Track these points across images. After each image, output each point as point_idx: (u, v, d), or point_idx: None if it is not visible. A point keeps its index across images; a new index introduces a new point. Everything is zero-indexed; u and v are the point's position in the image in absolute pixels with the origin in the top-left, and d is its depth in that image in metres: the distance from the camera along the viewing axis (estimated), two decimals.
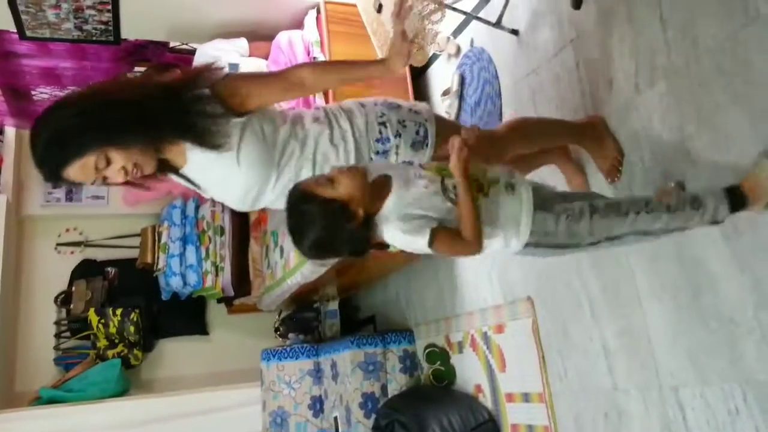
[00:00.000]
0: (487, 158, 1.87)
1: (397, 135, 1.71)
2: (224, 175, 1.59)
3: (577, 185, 2.25)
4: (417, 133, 1.75)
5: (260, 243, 4.21)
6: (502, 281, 2.80)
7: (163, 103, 1.48)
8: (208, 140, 1.50)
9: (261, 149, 1.57)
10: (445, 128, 1.81)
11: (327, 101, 3.16)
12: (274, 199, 1.69)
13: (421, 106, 1.83)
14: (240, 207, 1.72)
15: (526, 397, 2.62)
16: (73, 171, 1.45)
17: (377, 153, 1.70)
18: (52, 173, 1.45)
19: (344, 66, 1.72)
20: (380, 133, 1.70)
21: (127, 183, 1.55)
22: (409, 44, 1.58)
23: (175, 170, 1.61)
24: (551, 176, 2.29)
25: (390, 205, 1.40)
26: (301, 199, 1.38)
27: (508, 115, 2.72)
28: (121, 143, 1.45)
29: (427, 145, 1.76)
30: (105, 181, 1.50)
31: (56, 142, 1.42)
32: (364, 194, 1.37)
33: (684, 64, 1.83)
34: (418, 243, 1.39)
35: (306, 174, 1.65)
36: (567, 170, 2.27)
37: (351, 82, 1.72)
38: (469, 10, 2.85)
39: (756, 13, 1.60)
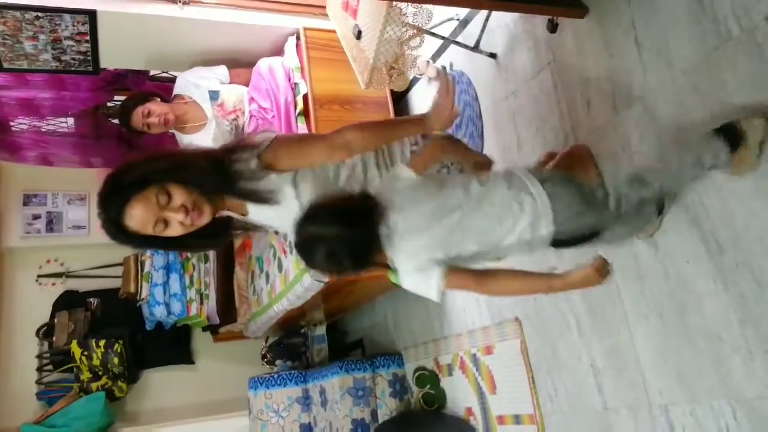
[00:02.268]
0: None
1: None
2: (288, 214, 1.54)
3: None
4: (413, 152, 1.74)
5: (245, 269, 4.18)
6: (490, 302, 2.79)
7: (212, 165, 1.53)
8: (255, 198, 1.53)
9: (316, 178, 1.58)
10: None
11: (309, 129, 3.17)
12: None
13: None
14: None
15: (517, 419, 2.61)
16: (135, 206, 1.45)
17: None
18: (115, 217, 1.47)
19: (389, 127, 1.72)
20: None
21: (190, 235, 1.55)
22: (452, 112, 1.62)
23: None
24: None
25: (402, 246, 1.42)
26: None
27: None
28: (182, 179, 1.48)
29: None
30: (165, 226, 1.49)
31: (123, 176, 1.48)
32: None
33: (660, 84, 1.85)
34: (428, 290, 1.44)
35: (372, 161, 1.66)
36: None
37: (394, 140, 1.70)
38: (447, 34, 2.88)
39: (728, 34, 1.64)
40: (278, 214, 1.56)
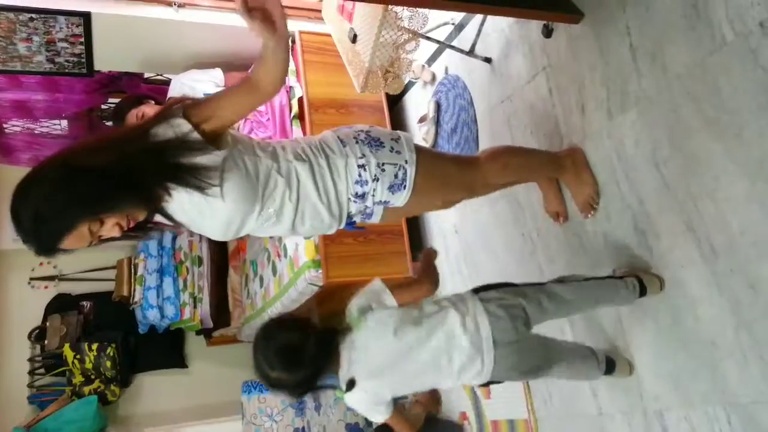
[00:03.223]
0: (470, 188, 1.95)
1: (375, 179, 1.68)
2: (207, 209, 1.54)
3: (552, 210, 2.26)
4: (395, 176, 1.71)
5: (239, 272, 4.17)
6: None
7: (143, 159, 1.43)
8: (197, 185, 1.46)
9: (244, 183, 1.54)
10: (427, 168, 1.77)
11: (304, 132, 3.16)
12: (257, 227, 1.66)
13: (403, 142, 1.76)
14: (220, 238, 1.69)
15: (511, 424, 2.60)
16: (68, 242, 1.40)
17: (356, 194, 1.69)
18: (46, 251, 1.40)
19: (274, 56, 1.52)
20: (359, 176, 1.67)
21: (123, 235, 1.50)
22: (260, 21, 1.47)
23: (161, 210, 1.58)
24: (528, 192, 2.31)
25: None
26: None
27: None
28: (109, 210, 1.41)
29: (404, 187, 1.73)
30: (101, 240, 1.45)
31: (42, 225, 1.35)
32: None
33: (655, 90, 1.86)
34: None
35: (289, 207, 1.62)
36: (548, 192, 2.27)
37: (286, 61, 1.56)
38: (442, 38, 2.89)
39: (722, 39, 1.64)
40: (196, 202, 1.51)
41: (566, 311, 1.83)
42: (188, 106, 1.48)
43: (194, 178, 1.45)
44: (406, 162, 1.73)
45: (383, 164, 1.69)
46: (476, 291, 1.73)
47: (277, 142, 1.72)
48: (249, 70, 3.30)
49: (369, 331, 1.60)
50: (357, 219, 1.80)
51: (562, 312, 1.82)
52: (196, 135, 1.46)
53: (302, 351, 1.51)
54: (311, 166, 1.64)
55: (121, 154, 1.42)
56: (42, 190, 1.35)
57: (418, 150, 1.78)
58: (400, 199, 1.75)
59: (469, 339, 1.60)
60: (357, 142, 1.70)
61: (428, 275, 1.73)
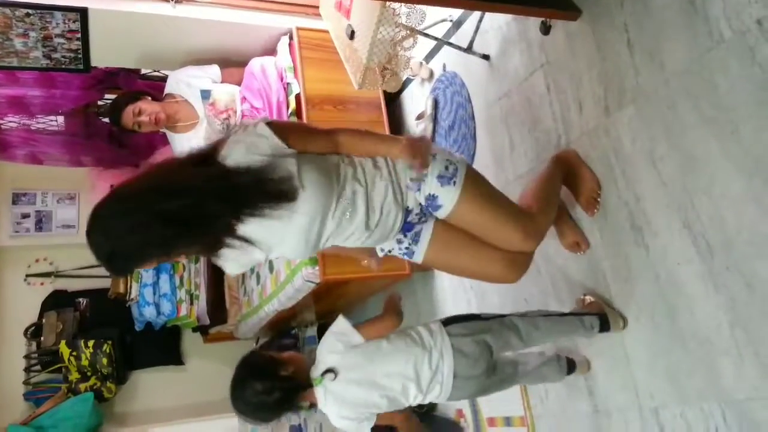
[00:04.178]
0: (524, 230, 1.82)
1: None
2: (286, 217, 1.53)
3: (570, 242, 2.19)
4: (446, 168, 1.70)
5: None
6: (481, 305, 2.79)
7: (221, 201, 1.45)
8: (285, 198, 1.51)
9: (321, 170, 1.58)
10: (478, 178, 1.79)
11: None
12: (335, 228, 1.63)
13: (457, 155, 1.79)
14: (305, 246, 1.62)
15: (507, 421, 2.60)
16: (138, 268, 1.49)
17: (411, 179, 1.69)
18: (116, 274, 1.52)
19: (375, 141, 1.73)
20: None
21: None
22: (424, 156, 1.66)
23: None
24: None
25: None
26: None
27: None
28: (181, 251, 1.51)
29: (454, 183, 1.70)
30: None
31: (116, 260, 1.42)
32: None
33: (652, 87, 1.86)
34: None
35: (361, 193, 1.63)
36: (560, 225, 2.20)
37: (374, 155, 1.71)
38: (440, 35, 2.88)
39: (720, 36, 1.64)
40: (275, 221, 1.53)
41: (530, 344, 1.97)
42: (273, 122, 1.58)
43: (279, 196, 1.50)
44: (458, 162, 1.74)
45: (435, 155, 1.71)
46: (445, 323, 1.89)
47: None
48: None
49: (337, 385, 1.78)
50: (413, 219, 1.75)
51: (526, 345, 1.96)
52: (284, 148, 1.54)
53: (265, 401, 1.73)
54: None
55: (199, 196, 1.43)
56: (120, 228, 1.38)
57: (470, 171, 1.77)
58: (449, 196, 1.70)
59: (432, 373, 1.79)
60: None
61: (393, 312, 1.87)
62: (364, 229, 1.66)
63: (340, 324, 1.86)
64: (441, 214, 1.75)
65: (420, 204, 1.73)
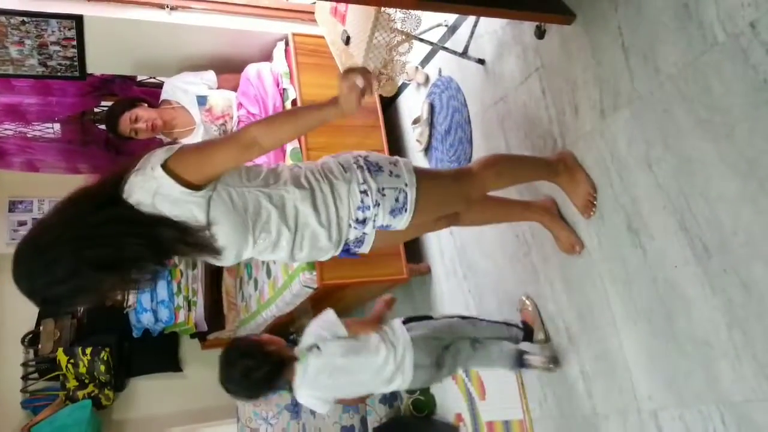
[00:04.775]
0: (467, 199, 1.96)
1: (377, 204, 1.68)
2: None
3: (566, 244, 2.20)
4: (396, 200, 1.71)
5: (234, 275, 4.15)
6: (479, 308, 2.79)
7: (141, 242, 1.41)
8: (195, 249, 1.49)
9: (232, 219, 1.52)
10: (427, 188, 1.78)
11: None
12: (257, 254, 1.66)
13: (401, 165, 1.76)
14: (228, 263, 1.67)
15: (507, 425, 2.60)
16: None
17: (357, 220, 1.68)
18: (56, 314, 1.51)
19: (295, 115, 1.58)
20: (362, 201, 1.67)
21: None
22: (357, 89, 1.49)
23: None
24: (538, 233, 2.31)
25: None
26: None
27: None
28: (106, 295, 1.50)
29: (406, 210, 1.73)
30: None
31: (53, 304, 1.42)
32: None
33: (647, 90, 1.86)
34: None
35: (287, 236, 1.61)
36: (554, 228, 2.22)
37: (307, 130, 1.64)
38: (435, 40, 2.89)
39: (714, 39, 1.65)
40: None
41: (474, 338, 2.28)
42: (167, 162, 1.43)
43: (188, 246, 1.46)
44: (405, 185, 1.73)
45: (383, 189, 1.69)
46: (405, 322, 2.21)
47: (270, 170, 1.68)
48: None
49: (318, 359, 2.03)
50: (352, 247, 1.77)
51: (471, 340, 2.27)
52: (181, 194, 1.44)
53: (255, 376, 1.97)
54: (313, 192, 1.63)
55: (116, 242, 1.39)
56: (46, 279, 1.35)
57: (417, 172, 1.78)
58: (402, 222, 1.75)
59: (396, 366, 2.08)
60: (357, 168, 1.70)
61: (378, 318, 2.18)
62: (289, 259, 1.70)
63: (329, 315, 2.15)
64: (392, 230, 1.79)
65: (364, 233, 1.74)
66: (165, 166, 1.42)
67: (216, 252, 1.51)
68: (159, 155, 1.45)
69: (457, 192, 1.93)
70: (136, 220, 1.41)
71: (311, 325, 2.14)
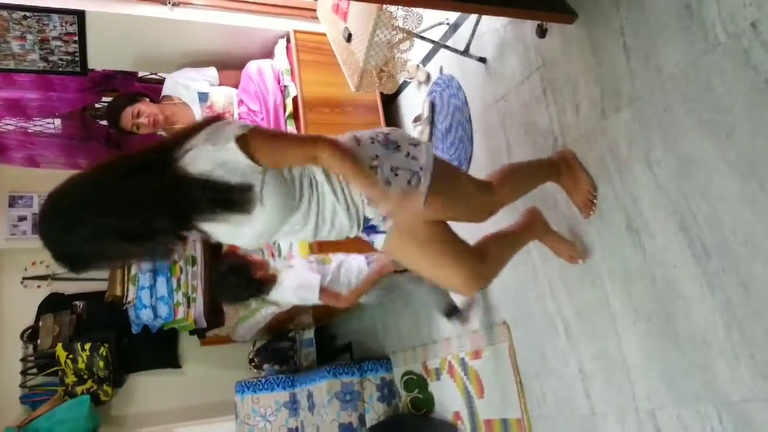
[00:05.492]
0: (489, 211, 1.94)
1: (387, 183, 1.64)
2: (246, 219, 1.53)
3: (567, 255, 2.18)
4: (409, 182, 1.67)
5: None
6: (479, 306, 2.79)
7: (177, 214, 1.44)
8: (239, 212, 1.49)
9: (284, 189, 1.55)
10: (445, 180, 1.74)
11: (299, 131, 3.15)
12: (285, 233, 1.67)
13: (422, 149, 1.72)
14: (255, 244, 1.69)
15: (505, 423, 2.60)
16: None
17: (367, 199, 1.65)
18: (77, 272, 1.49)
19: (354, 167, 1.57)
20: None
21: None
22: (402, 201, 1.59)
23: None
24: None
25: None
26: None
27: None
28: (138, 258, 1.59)
29: (419, 187, 1.68)
30: None
31: (76, 262, 1.43)
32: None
33: (648, 90, 1.87)
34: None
35: (313, 210, 1.63)
36: (548, 243, 2.21)
37: (350, 177, 1.60)
38: (437, 38, 2.89)
39: (716, 40, 1.65)
40: (234, 220, 1.51)
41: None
42: (240, 137, 1.47)
43: (236, 204, 1.47)
44: (421, 169, 1.69)
45: (396, 168, 1.66)
46: None
47: None
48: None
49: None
50: (377, 225, 1.75)
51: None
52: (250, 165, 1.47)
53: (243, 294, 2.52)
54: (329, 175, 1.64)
55: (151, 214, 1.40)
56: (73, 239, 1.37)
57: (438, 160, 1.75)
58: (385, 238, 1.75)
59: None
60: (373, 143, 1.69)
61: (354, 298, 2.72)
62: (313, 236, 1.70)
63: (310, 281, 2.55)
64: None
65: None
66: (240, 139, 1.47)
67: (247, 211, 1.49)
68: (233, 129, 1.49)
69: (479, 200, 1.87)
70: (170, 187, 1.42)
71: (291, 277, 2.54)
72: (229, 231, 1.56)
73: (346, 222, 1.68)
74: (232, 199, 1.46)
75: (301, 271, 2.62)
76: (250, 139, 1.48)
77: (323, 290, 2.56)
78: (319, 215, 1.64)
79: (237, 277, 2.38)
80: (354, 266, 2.73)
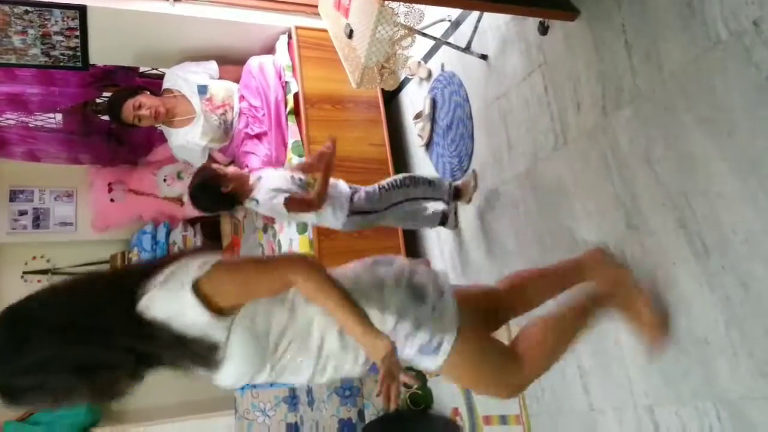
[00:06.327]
0: (509, 391, 1.70)
1: (407, 337, 1.47)
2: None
3: (648, 338, 1.86)
4: (429, 341, 1.49)
5: None
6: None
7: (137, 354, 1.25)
8: (202, 368, 1.32)
9: (253, 346, 1.34)
10: (469, 350, 1.53)
11: (299, 128, 3.15)
12: (273, 378, 1.46)
13: (448, 303, 1.52)
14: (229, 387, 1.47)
15: (503, 420, 2.61)
16: None
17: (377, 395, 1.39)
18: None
19: (343, 307, 1.34)
20: (392, 329, 1.46)
21: None
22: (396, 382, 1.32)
23: None
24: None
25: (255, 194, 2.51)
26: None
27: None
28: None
29: (437, 353, 1.50)
30: None
31: (8, 394, 1.20)
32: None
33: (650, 88, 1.87)
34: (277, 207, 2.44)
35: (308, 364, 1.42)
36: (621, 307, 1.88)
37: (340, 321, 1.37)
38: (439, 35, 2.89)
39: (717, 38, 1.65)
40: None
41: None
42: (202, 277, 1.26)
43: (198, 360, 1.31)
44: (444, 332, 1.50)
45: (420, 326, 1.48)
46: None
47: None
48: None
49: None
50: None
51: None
52: (205, 328, 1.26)
53: (217, 207, 2.68)
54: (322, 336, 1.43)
55: (111, 344, 1.22)
56: (17, 362, 1.17)
57: (462, 313, 1.54)
58: (432, 364, 1.53)
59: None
60: (396, 288, 1.49)
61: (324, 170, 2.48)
62: (309, 383, 1.51)
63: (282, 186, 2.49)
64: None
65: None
66: (196, 286, 1.26)
67: (212, 368, 1.32)
68: (190, 271, 1.28)
69: (507, 384, 1.65)
70: (138, 327, 1.24)
71: (267, 181, 2.52)
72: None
73: (350, 369, 1.47)
74: (193, 355, 1.29)
75: (273, 178, 2.56)
76: (210, 282, 1.27)
77: (291, 199, 2.45)
78: (318, 366, 1.44)
79: (210, 192, 2.43)
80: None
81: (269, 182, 2.50)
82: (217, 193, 2.43)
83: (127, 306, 1.24)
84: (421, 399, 3.24)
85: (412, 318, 1.47)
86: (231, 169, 2.51)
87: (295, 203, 2.45)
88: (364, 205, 2.62)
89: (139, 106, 3.21)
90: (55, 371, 1.17)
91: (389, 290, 1.49)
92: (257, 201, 2.50)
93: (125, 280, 1.30)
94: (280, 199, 2.42)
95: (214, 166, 2.61)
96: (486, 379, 1.63)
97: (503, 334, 2.57)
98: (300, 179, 2.56)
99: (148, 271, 1.30)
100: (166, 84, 3.40)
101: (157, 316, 1.24)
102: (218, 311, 1.27)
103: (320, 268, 1.37)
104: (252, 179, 2.56)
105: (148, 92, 3.35)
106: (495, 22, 2.62)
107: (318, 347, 1.41)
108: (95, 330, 1.20)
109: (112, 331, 1.21)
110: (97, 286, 1.29)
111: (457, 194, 2.82)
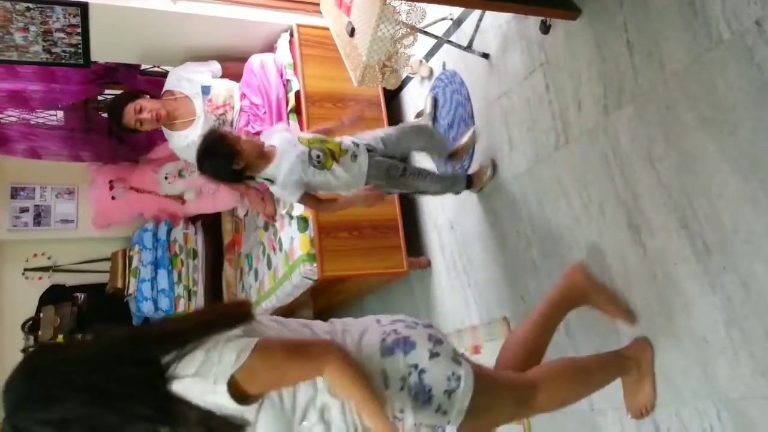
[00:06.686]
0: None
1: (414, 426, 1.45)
2: None
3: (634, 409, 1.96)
4: (437, 410, 1.46)
5: (234, 266, 4.16)
6: (479, 302, 2.80)
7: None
8: None
9: (279, 423, 1.35)
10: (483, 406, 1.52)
11: (300, 126, 3.15)
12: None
13: (459, 396, 1.47)
14: None
15: None
16: None
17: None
18: None
19: (365, 397, 1.35)
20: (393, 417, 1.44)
21: None
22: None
23: None
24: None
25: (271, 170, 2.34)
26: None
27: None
28: None
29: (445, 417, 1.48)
30: None
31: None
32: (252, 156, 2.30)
33: (651, 87, 1.86)
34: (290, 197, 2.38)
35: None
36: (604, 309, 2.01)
37: (358, 408, 1.38)
38: (440, 34, 2.89)
39: (719, 37, 1.65)
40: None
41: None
42: (239, 372, 1.23)
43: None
44: (448, 422, 1.49)
45: (421, 424, 1.46)
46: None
47: None
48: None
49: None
50: None
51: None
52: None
53: (221, 179, 2.46)
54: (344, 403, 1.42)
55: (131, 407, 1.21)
56: (40, 415, 1.21)
57: (479, 376, 1.53)
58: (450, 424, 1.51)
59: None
60: (402, 389, 1.45)
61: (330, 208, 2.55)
62: None
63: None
64: None
65: None
66: (232, 381, 1.23)
67: None
68: (225, 364, 1.24)
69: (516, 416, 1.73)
70: (166, 402, 1.23)
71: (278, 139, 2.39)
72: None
73: None
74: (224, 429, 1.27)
75: (292, 162, 2.36)
76: (247, 375, 1.25)
77: (306, 194, 2.37)
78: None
79: (219, 160, 2.23)
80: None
81: (287, 165, 2.31)
82: (224, 162, 2.24)
83: (153, 376, 1.23)
84: None
85: (410, 420, 1.44)
86: (244, 138, 2.32)
87: (310, 202, 2.44)
88: (380, 145, 2.54)
89: (140, 110, 3.20)
90: (73, 430, 1.19)
91: (393, 391, 1.44)
92: (272, 181, 2.34)
93: (149, 346, 1.27)
94: (296, 195, 2.36)
95: (225, 130, 2.49)
96: (502, 422, 1.67)
97: (503, 333, 2.57)
98: (318, 156, 2.35)
99: (172, 337, 1.28)
100: (168, 86, 3.40)
101: (188, 396, 1.23)
102: (250, 397, 1.27)
103: (351, 358, 1.38)
104: (266, 147, 2.36)
105: (149, 96, 3.35)
106: (496, 20, 2.62)
107: (330, 421, 1.40)
108: (119, 397, 1.20)
109: (136, 400, 1.21)
110: (120, 352, 1.27)
111: (469, 182, 2.76)
